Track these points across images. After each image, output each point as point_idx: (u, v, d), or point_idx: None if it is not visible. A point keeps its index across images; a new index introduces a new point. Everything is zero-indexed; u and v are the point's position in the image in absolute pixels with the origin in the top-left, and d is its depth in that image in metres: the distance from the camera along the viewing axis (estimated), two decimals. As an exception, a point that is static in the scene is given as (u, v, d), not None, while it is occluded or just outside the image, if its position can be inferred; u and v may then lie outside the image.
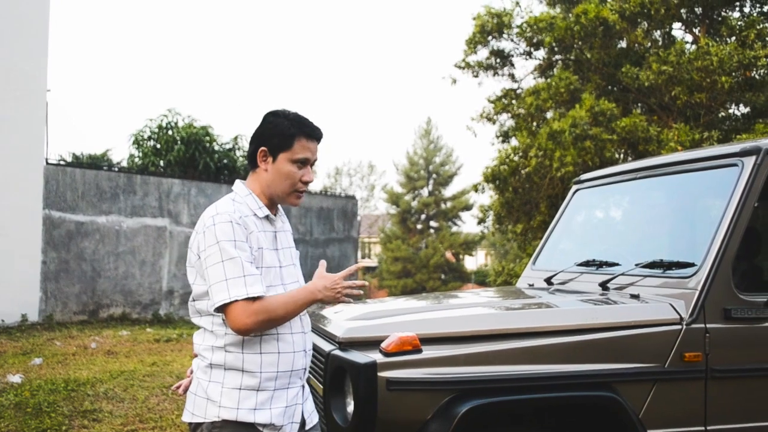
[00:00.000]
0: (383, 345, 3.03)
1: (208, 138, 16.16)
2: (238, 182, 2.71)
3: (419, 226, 40.77)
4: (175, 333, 11.15)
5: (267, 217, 2.65)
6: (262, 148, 2.62)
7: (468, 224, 41.98)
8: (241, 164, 16.69)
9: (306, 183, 2.66)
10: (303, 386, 2.69)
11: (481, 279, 38.12)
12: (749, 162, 3.45)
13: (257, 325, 2.43)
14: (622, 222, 4.58)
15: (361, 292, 2.65)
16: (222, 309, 2.45)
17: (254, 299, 2.43)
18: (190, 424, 2.58)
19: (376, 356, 2.99)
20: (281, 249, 2.68)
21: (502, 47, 16.99)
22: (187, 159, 15.75)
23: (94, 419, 6.06)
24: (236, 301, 2.41)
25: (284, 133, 2.59)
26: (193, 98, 68.42)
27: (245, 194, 2.64)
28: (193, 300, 2.59)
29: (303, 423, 2.68)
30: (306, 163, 2.64)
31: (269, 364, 2.53)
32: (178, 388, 2.89)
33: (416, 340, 3.02)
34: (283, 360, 2.56)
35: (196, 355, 2.64)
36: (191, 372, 2.71)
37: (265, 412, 2.51)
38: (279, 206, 2.76)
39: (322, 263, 2.68)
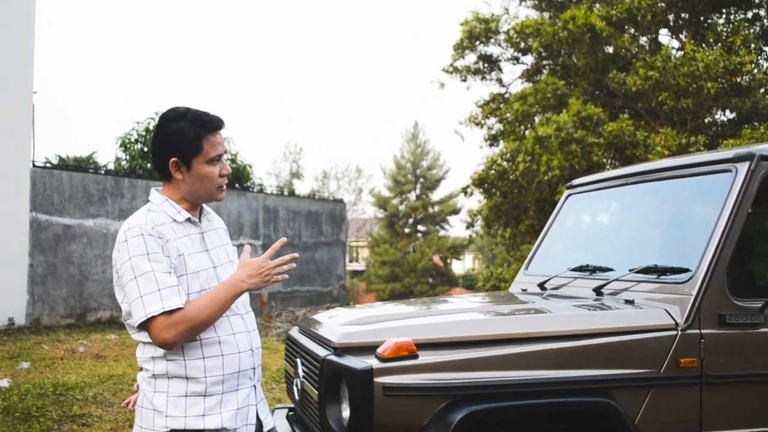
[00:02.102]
0: (379, 350, 3.01)
1: (195, 141, 16.09)
2: (153, 190, 2.62)
3: (407, 230, 40.75)
4: (163, 337, 11.08)
5: (189, 220, 2.56)
6: (173, 159, 2.51)
7: (456, 228, 42.00)
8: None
9: (225, 176, 2.59)
10: (254, 386, 2.62)
11: (468, 283, 38.16)
12: (743, 168, 3.46)
13: (179, 337, 2.36)
14: (616, 227, 4.58)
15: (294, 265, 2.54)
16: (143, 327, 2.39)
17: (172, 312, 2.35)
18: None
19: (372, 362, 2.97)
20: (212, 249, 2.60)
21: (489, 52, 17.08)
22: (175, 162, 15.67)
23: (83, 423, 6.03)
24: (154, 317, 2.34)
25: (189, 137, 2.49)
26: (181, 101, 68.13)
27: (161, 201, 2.55)
28: (125, 319, 2.52)
29: (260, 426, 2.64)
30: (220, 158, 2.56)
31: (213, 368, 2.46)
32: (127, 404, 2.84)
33: (412, 345, 3.01)
34: (228, 362, 2.49)
35: (141, 369, 2.58)
36: (137, 387, 2.65)
37: (215, 417, 2.45)
38: (205, 206, 2.68)
39: (247, 248, 2.59)
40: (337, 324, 3.50)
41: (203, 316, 2.39)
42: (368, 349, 3.11)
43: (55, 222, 12.36)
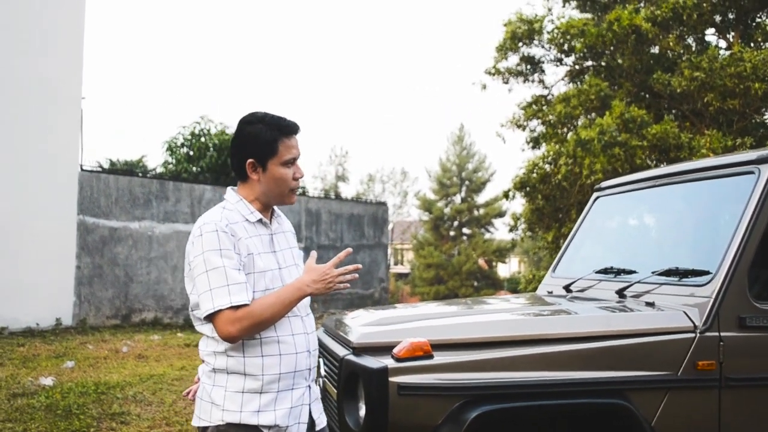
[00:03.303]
0: (395, 351, 3.06)
1: (239, 145, 16.31)
2: (229, 189, 2.73)
3: (452, 233, 40.67)
4: (205, 338, 11.25)
5: (260, 221, 2.66)
6: (250, 160, 2.62)
7: (501, 231, 41.93)
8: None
9: (298, 179, 2.69)
10: (309, 387, 2.70)
11: (513, 286, 37.87)
12: (766, 169, 3.43)
13: (242, 332, 2.46)
14: (641, 229, 4.57)
15: (356, 275, 2.63)
16: (209, 318, 2.49)
17: (238, 307, 2.44)
18: (198, 428, 2.62)
19: (388, 361, 3.01)
20: (280, 251, 2.70)
21: (532, 53, 16.96)
22: (219, 166, 15.94)
23: (122, 421, 6.17)
24: (221, 310, 2.44)
25: (266, 140, 2.60)
26: (225, 106, 69.10)
27: (236, 201, 2.67)
28: (192, 309, 2.63)
29: (312, 424, 2.71)
30: (294, 161, 2.66)
31: (271, 367, 2.54)
32: (188, 393, 2.96)
33: (428, 345, 3.05)
34: (285, 362, 2.57)
35: (203, 361, 2.68)
36: (198, 378, 2.76)
37: (269, 414, 2.54)
38: (276, 208, 2.78)
39: (313, 254, 2.70)
40: (357, 324, 3.56)
41: (267, 314, 2.49)
42: (385, 349, 3.15)
43: (101, 224, 12.65)
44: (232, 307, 2.43)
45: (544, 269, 21.81)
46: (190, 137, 16.47)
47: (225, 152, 15.97)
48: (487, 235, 40.52)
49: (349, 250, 2.75)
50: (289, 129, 2.65)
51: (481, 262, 39.51)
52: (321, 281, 2.56)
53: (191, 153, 16.37)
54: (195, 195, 14.08)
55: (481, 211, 40.31)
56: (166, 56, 73.89)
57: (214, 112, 59.88)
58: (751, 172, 3.48)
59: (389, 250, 23.94)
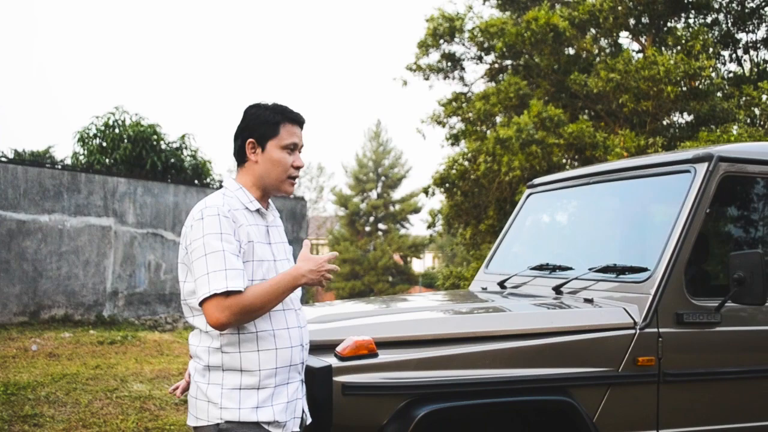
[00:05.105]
0: (339, 349, 2.99)
1: (155, 137, 15.87)
2: (227, 178, 2.72)
3: (368, 229, 40.74)
4: (119, 335, 10.91)
5: (258, 211, 2.64)
6: (250, 139, 2.62)
7: (416, 227, 42.12)
8: (188, 164, 16.41)
9: (298, 168, 2.67)
10: (302, 381, 2.68)
11: (428, 282, 38.24)
12: (701, 168, 3.50)
13: (232, 319, 2.40)
14: (576, 226, 4.61)
15: (338, 268, 2.66)
16: (202, 304, 2.43)
17: (232, 293, 2.39)
18: (195, 428, 2.56)
19: (332, 360, 2.95)
20: (274, 243, 2.67)
21: (453, 51, 17.10)
22: (133, 158, 15.45)
23: (35, 424, 5.89)
24: (215, 295, 2.39)
25: (269, 121, 2.62)
26: (141, 97, 67.44)
27: (235, 188, 2.64)
28: (185, 299, 2.57)
29: (303, 419, 2.68)
30: (295, 148, 2.66)
31: (267, 361, 2.51)
32: (174, 390, 2.91)
33: (372, 344, 2.99)
34: (280, 356, 2.54)
35: (191, 358, 2.62)
36: (189, 375, 2.69)
37: (267, 410, 2.50)
38: (270, 201, 2.74)
39: (306, 243, 2.67)
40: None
41: (260, 302, 2.44)
42: (327, 347, 3.08)
43: (8, 217, 12.10)
44: (226, 293, 2.39)
45: (459, 265, 22.09)
46: (103, 128, 15.90)
47: (140, 144, 15.49)
48: (403, 231, 40.77)
49: (336, 253, 2.73)
50: (293, 116, 2.67)
51: (396, 257, 39.71)
52: (316, 271, 2.53)
53: (104, 144, 15.80)
54: (108, 187, 13.61)
55: (397, 206, 40.51)
56: (73, 45, 71.52)
57: (129, 103, 58.26)
58: (688, 171, 3.55)
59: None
